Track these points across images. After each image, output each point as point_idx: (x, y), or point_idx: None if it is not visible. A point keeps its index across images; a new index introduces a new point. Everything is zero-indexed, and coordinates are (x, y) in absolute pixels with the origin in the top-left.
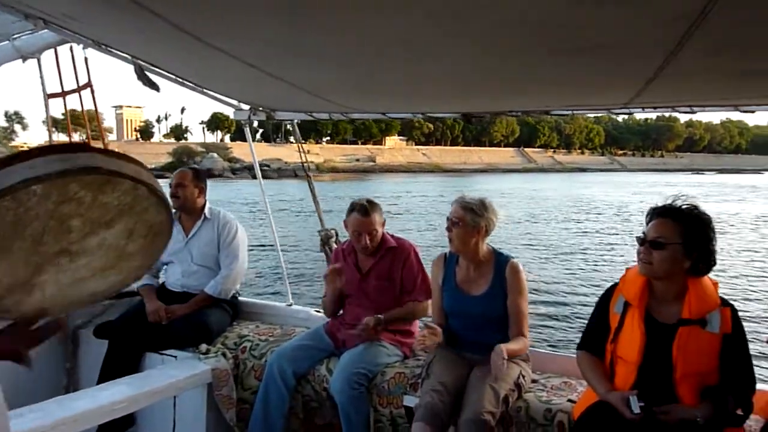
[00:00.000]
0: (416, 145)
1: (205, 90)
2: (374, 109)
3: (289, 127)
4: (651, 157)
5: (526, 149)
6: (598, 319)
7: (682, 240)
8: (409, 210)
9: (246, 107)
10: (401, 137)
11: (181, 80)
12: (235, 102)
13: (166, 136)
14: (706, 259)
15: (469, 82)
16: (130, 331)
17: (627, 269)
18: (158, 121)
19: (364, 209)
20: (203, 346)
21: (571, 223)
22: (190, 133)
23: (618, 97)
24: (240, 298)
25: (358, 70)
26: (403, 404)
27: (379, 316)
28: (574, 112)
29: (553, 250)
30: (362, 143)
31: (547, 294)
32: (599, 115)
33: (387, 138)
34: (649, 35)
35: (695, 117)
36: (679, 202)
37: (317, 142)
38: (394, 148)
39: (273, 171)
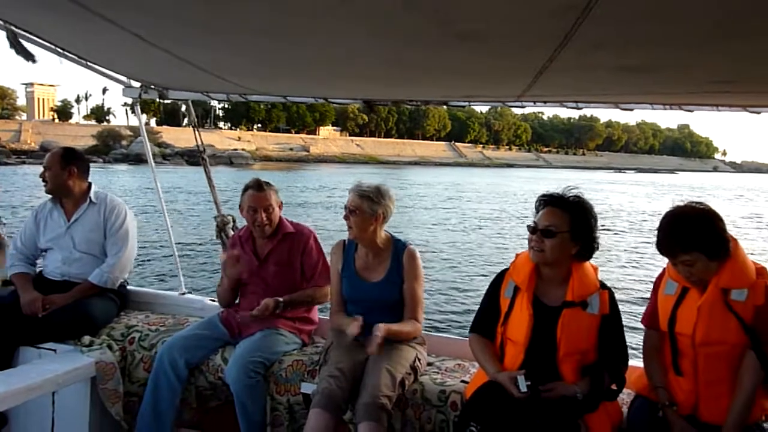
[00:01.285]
0: (350, 135)
1: (89, 63)
2: (275, 91)
3: (219, 112)
4: (574, 155)
5: (457, 144)
6: (489, 303)
7: (570, 228)
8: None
9: (136, 84)
10: (335, 127)
11: (62, 51)
12: (124, 78)
13: (86, 117)
14: (590, 246)
15: (367, 68)
16: (1, 324)
17: (517, 255)
18: (77, 101)
19: (258, 185)
20: (86, 338)
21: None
22: (113, 115)
23: (511, 88)
24: (129, 288)
25: (254, 50)
26: (301, 391)
27: (279, 298)
28: (471, 102)
29: (465, 240)
30: (295, 132)
31: (444, 280)
32: (496, 106)
33: (321, 128)
34: (539, 26)
35: (614, 118)
36: (564, 192)
37: (249, 129)
38: (329, 138)
39: (211, 158)
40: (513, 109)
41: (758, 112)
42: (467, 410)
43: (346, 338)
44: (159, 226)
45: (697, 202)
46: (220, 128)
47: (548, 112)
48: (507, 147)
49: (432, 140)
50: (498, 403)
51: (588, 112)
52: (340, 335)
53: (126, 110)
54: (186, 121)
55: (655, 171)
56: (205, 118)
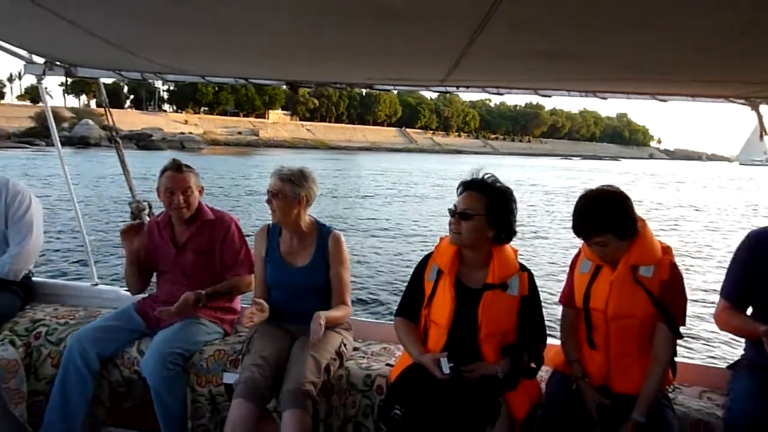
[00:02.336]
0: (301, 120)
1: None
2: (193, 71)
3: (163, 93)
4: (520, 142)
5: (407, 130)
6: (414, 286)
7: (486, 211)
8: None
9: (40, 60)
10: (285, 111)
11: None
12: (25, 53)
13: (20, 97)
14: (508, 229)
15: (289, 49)
16: None
17: (441, 239)
18: (10, 80)
19: (177, 166)
20: None
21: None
22: (50, 95)
23: (434, 72)
24: (34, 279)
25: (168, 25)
26: (223, 382)
27: (201, 291)
28: (396, 87)
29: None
30: (244, 116)
31: (372, 264)
32: (420, 91)
33: (270, 112)
34: (458, 7)
35: (558, 106)
36: (483, 175)
37: (195, 112)
38: (278, 122)
39: (162, 142)
40: (461, 97)
41: (665, 100)
42: (392, 393)
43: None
44: (95, 214)
45: (608, 185)
46: (165, 111)
47: (495, 99)
48: (456, 134)
49: (383, 126)
50: (422, 385)
51: (533, 99)
52: (264, 323)
53: (63, 90)
54: (128, 102)
55: (599, 158)
56: (149, 100)
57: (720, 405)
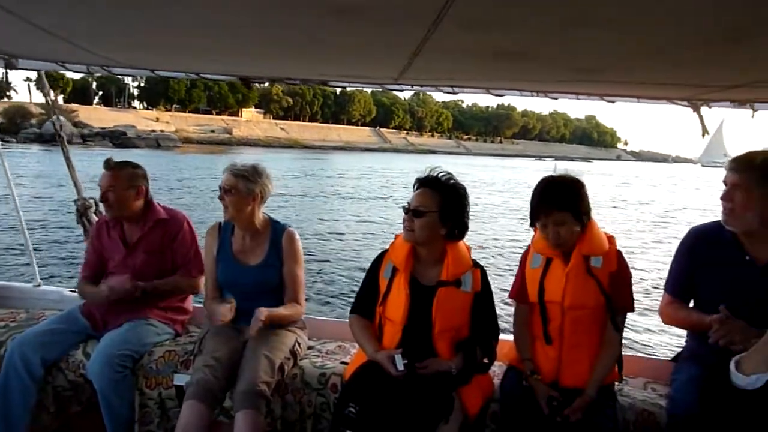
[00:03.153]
0: (274, 119)
1: None
2: (142, 64)
3: (133, 90)
4: (492, 143)
5: (382, 129)
6: (369, 284)
7: (439, 209)
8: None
9: None
10: (258, 110)
11: None
12: None
13: None
14: (461, 226)
15: (242, 43)
16: None
17: (396, 236)
18: None
19: (107, 163)
20: None
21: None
22: (15, 91)
23: (389, 70)
24: None
25: (113, 15)
26: (174, 384)
27: (139, 283)
28: (350, 84)
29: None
30: (217, 113)
31: (331, 262)
32: (372, 87)
33: (243, 110)
34: (411, 6)
35: (529, 107)
36: (438, 173)
37: (167, 110)
38: (252, 120)
39: (138, 139)
40: (435, 97)
41: (613, 101)
42: (346, 391)
43: (220, 323)
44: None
45: (567, 173)
46: (134, 107)
47: (468, 100)
48: (430, 134)
49: (357, 125)
50: (376, 382)
51: (505, 100)
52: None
53: (28, 86)
54: (97, 98)
55: (571, 159)
56: (118, 96)
57: (663, 395)
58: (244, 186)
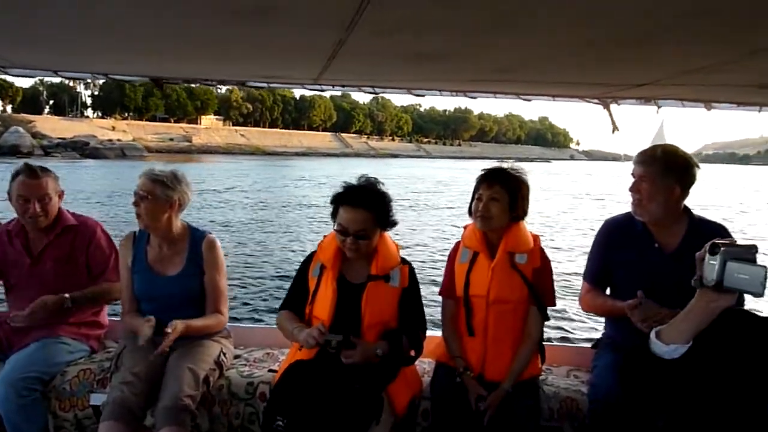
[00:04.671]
0: (234, 125)
1: None
2: (41, 65)
3: (86, 99)
4: (451, 146)
5: (342, 134)
6: (298, 283)
7: (375, 223)
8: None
9: None
10: (218, 117)
11: None
12: None
13: None
14: (390, 223)
15: (153, 42)
16: None
17: (324, 236)
18: None
19: (31, 170)
20: None
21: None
22: None
23: (308, 71)
24: None
25: (9, 9)
26: (90, 404)
27: (65, 295)
28: (270, 84)
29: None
30: (175, 121)
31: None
32: (292, 88)
33: (203, 117)
34: (326, 8)
35: (485, 110)
36: (361, 182)
37: (123, 118)
38: (211, 128)
39: (106, 149)
40: (393, 101)
41: (529, 100)
42: (272, 404)
43: (140, 341)
44: None
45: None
46: (87, 117)
47: (425, 104)
48: (390, 138)
49: (318, 131)
50: (302, 390)
51: (462, 104)
52: (135, 338)
53: None
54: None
55: (531, 160)
56: (70, 105)
57: (585, 382)
58: (162, 192)
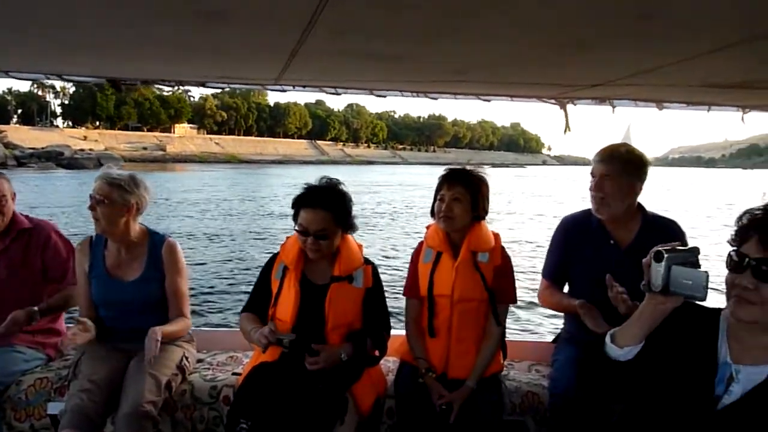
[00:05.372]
0: (208, 133)
1: None
2: None
3: (56, 107)
4: (426, 152)
5: (318, 142)
6: (261, 285)
7: (335, 221)
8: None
9: None
10: (192, 125)
11: None
12: None
13: None
14: (351, 224)
15: (110, 42)
16: None
17: (287, 238)
18: None
19: None
20: None
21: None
22: None
23: (268, 72)
24: None
25: None
26: (48, 413)
27: (33, 308)
28: (230, 85)
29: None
30: (148, 130)
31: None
32: (253, 89)
33: (176, 125)
34: (283, 9)
35: (459, 117)
36: (322, 183)
37: (95, 127)
38: (185, 136)
39: (85, 159)
40: (367, 108)
41: (489, 100)
42: (235, 407)
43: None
44: None
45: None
46: (57, 126)
47: (400, 110)
48: (366, 144)
49: (293, 138)
50: (265, 392)
51: (435, 110)
52: (92, 345)
53: None
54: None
55: (507, 165)
56: (39, 114)
57: (546, 376)
58: (119, 196)
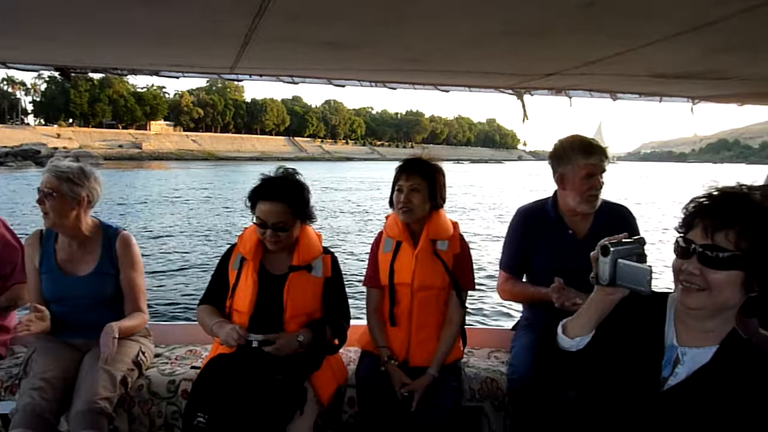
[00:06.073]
0: (185, 131)
1: None
2: None
3: (27, 105)
4: (404, 148)
5: (296, 138)
6: (219, 277)
7: (294, 215)
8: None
9: None
10: (168, 122)
11: None
12: None
13: None
14: (308, 213)
15: (55, 27)
16: None
17: (245, 229)
18: None
19: None
20: None
21: None
22: None
23: (222, 60)
24: None
25: None
26: None
27: None
28: (185, 74)
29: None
30: (124, 127)
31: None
32: (209, 78)
33: (152, 122)
34: None
35: (436, 113)
36: (280, 173)
37: (69, 124)
38: (161, 133)
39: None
40: (346, 105)
41: (447, 91)
42: (192, 401)
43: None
44: None
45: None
46: (28, 124)
47: (377, 106)
48: (344, 141)
49: (271, 135)
50: (223, 384)
51: (413, 107)
52: (44, 341)
53: None
54: None
55: (486, 161)
56: (10, 111)
57: (504, 362)
58: (69, 189)
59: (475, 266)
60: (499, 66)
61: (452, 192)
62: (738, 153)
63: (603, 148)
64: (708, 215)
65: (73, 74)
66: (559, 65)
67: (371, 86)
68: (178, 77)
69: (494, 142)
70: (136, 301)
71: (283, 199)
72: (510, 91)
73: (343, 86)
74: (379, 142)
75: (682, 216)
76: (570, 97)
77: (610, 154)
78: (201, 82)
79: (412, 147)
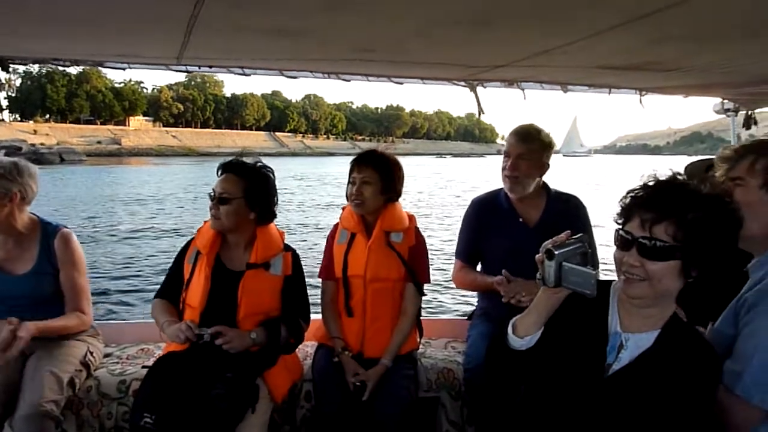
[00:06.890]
0: (164, 126)
1: None
2: None
3: (2, 101)
4: (384, 143)
5: (277, 133)
6: (174, 271)
7: (244, 194)
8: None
9: None
10: (147, 118)
11: None
12: None
13: None
14: (268, 210)
15: None
16: None
17: (205, 222)
18: None
19: None
20: None
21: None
22: None
23: (167, 50)
24: None
25: None
26: None
27: None
28: (130, 66)
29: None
30: (102, 123)
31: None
32: (155, 69)
33: (131, 118)
34: None
35: (416, 107)
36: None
37: (45, 120)
38: (140, 129)
39: (51, 154)
40: (326, 100)
41: (401, 83)
42: (138, 401)
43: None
44: None
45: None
46: (3, 120)
47: (357, 101)
48: (325, 136)
49: (252, 130)
50: (170, 383)
51: (393, 101)
52: None
53: None
54: None
55: (468, 155)
56: None
57: (461, 352)
58: (1, 185)
59: (447, 258)
60: (449, 57)
61: (440, 186)
62: (711, 145)
63: (538, 138)
64: (644, 207)
65: (11, 65)
66: (508, 57)
67: (324, 78)
68: (124, 68)
69: (474, 136)
70: (77, 301)
71: (236, 172)
72: (463, 84)
73: (296, 77)
74: (360, 137)
75: (620, 208)
76: (523, 89)
77: (587, 148)
78: (180, 77)
79: (392, 141)
